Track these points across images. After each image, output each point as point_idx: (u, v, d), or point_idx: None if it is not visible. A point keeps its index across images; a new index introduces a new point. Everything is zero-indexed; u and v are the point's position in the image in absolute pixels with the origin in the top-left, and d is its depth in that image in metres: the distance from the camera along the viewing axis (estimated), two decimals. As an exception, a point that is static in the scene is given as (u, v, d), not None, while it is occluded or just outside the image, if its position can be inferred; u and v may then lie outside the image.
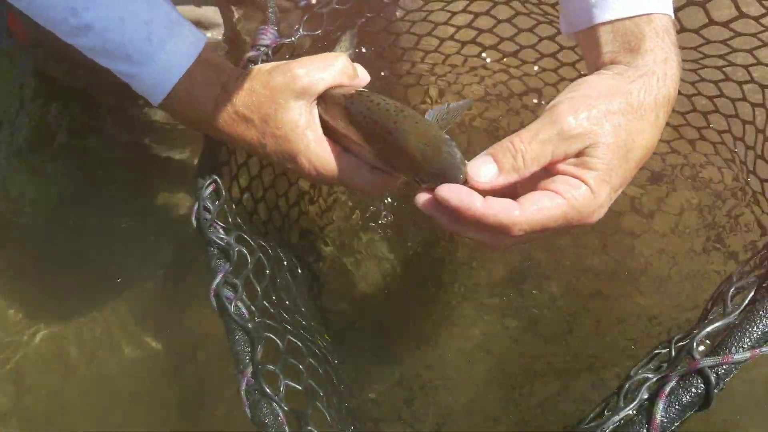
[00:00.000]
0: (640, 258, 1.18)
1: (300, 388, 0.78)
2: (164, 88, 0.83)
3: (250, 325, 0.82)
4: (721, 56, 1.02)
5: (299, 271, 1.06)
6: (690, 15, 0.95)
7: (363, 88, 0.85)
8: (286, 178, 1.16)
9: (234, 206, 1.01)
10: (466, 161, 0.69)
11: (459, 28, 1.21)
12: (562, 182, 0.67)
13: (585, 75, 0.76)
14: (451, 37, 1.23)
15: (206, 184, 0.95)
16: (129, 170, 1.31)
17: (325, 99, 0.82)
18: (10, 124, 1.36)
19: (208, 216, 0.93)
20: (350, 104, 0.79)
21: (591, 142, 0.67)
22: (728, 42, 0.98)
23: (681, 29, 0.96)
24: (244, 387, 0.77)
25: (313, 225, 1.23)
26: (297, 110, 0.80)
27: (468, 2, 1.16)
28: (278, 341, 0.83)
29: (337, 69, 0.82)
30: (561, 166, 0.68)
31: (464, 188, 0.66)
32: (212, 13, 1.24)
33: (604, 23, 0.74)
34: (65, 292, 1.24)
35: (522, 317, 1.15)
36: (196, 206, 0.94)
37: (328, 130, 0.83)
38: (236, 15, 1.41)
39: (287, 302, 0.96)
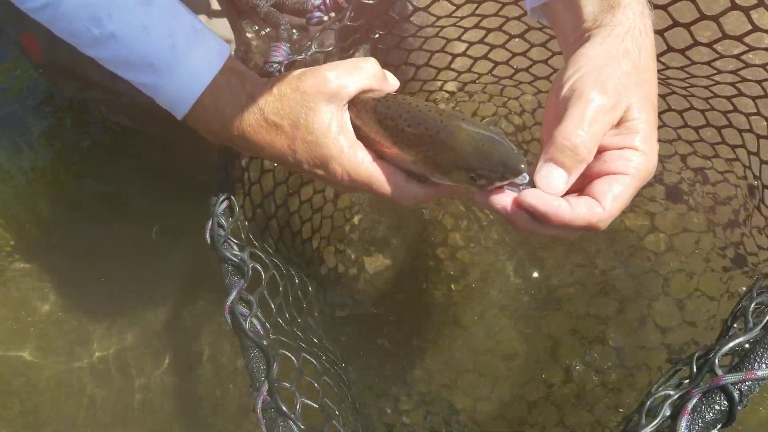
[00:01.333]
0: (659, 277, 1.17)
1: (316, 406, 0.78)
2: (189, 99, 0.82)
3: (265, 342, 0.83)
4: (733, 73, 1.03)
5: (309, 288, 1.06)
6: (699, 28, 0.96)
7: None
8: (298, 196, 1.16)
9: (247, 223, 1.02)
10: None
11: (471, 44, 1.22)
12: (617, 159, 0.70)
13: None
14: (464, 53, 1.24)
15: (220, 200, 0.97)
16: (146, 189, 1.32)
17: (355, 103, 0.82)
18: (30, 147, 1.37)
19: (222, 233, 0.94)
20: (384, 108, 0.79)
21: (626, 107, 0.70)
22: (741, 57, 1.00)
23: (694, 43, 0.97)
24: (260, 405, 0.77)
25: (325, 243, 1.23)
26: (329, 114, 0.80)
27: (480, 18, 1.17)
28: (293, 358, 0.83)
29: (367, 72, 0.82)
30: (607, 141, 0.71)
31: (548, 195, 0.69)
32: (223, 27, 1.25)
33: None
34: (79, 308, 1.25)
35: (539, 338, 1.15)
36: (210, 223, 0.95)
37: (359, 135, 0.82)
38: (248, 31, 1.44)
39: (299, 320, 0.96)
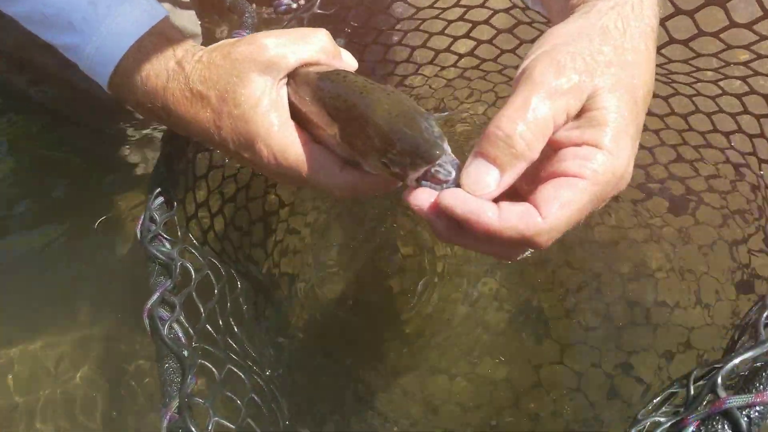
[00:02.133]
0: (664, 298, 1.05)
1: (233, 427, 0.65)
2: (110, 62, 0.73)
3: (185, 352, 0.71)
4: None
5: (256, 296, 0.94)
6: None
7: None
8: (246, 192, 1.05)
9: (188, 221, 0.91)
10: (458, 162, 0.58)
11: (455, 38, 1.12)
12: (572, 157, 0.55)
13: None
14: (447, 49, 1.14)
15: (156, 193, 0.86)
16: (96, 183, 1.22)
17: (295, 78, 0.71)
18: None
19: (153, 227, 0.83)
20: (326, 84, 0.67)
21: (589, 93, 0.56)
22: (750, 64, 0.89)
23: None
24: (166, 424, 0.66)
25: (278, 247, 1.11)
26: (260, 86, 0.70)
27: (464, 10, 1.07)
28: (215, 371, 0.71)
29: (314, 44, 0.71)
30: (563, 136, 0.57)
31: (471, 197, 0.55)
32: (189, 20, 1.17)
33: None
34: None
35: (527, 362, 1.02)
36: (142, 217, 0.84)
37: (296, 116, 0.72)
38: (218, 29, 1.36)
39: (236, 329, 0.84)
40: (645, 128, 0.73)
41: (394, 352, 1.07)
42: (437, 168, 0.56)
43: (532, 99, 0.55)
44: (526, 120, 0.55)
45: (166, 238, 0.83)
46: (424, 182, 0.57)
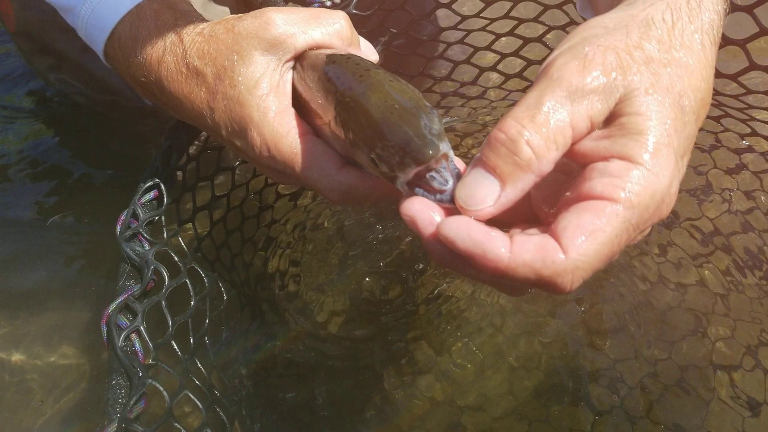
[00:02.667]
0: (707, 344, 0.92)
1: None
2: (106, 25, 0.67)
3: (139, 371, 0.62)
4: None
5: (242, 310, 0.84)
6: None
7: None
8: (259, 200, 0.96)
9: (180, 223, 0.83)
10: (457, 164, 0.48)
11: (503, 56, 1.01)
12: (599, 174, 0.44)
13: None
14: (493, 67, 1.03)
15: (145, 188, 0.79)
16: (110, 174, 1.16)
17: (303, 61, 0.63)
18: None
19: (135, 224, 0.75)
20: (334, 69, 0.58)
21: (622, 93, 0.46)
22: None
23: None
24: (98, 450, 0.56)
25: (281, 264, 1.01)
26: (261, 66, 0.62)
27: (517, 23, 0.97)
28: (166, 396, 0.61)
29: (329, 27, 0.63)
30: (589, 147, 0.46)
31: (477, 226, 0.44)
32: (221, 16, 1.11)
33: None
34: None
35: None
36: (125, 212, 0.76)
37: (300, 105, 0.63)
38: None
39: (210, 351, 0.74)
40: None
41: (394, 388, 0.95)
42: (432, 174, 0.46)
43: (545, 98, 0.45)
44: (536, 123, 0.45)
45: (146, 239, 0.75)
46: (417, 190, 0.47)
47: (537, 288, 0.45)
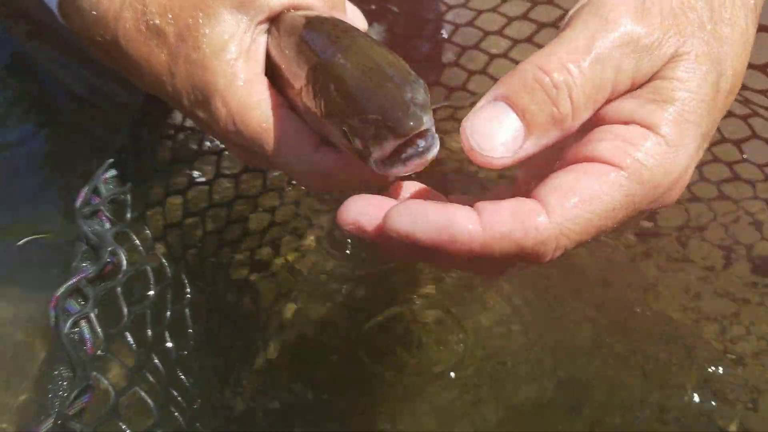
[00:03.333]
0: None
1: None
2: None
3: (85, 362, 0.56)
4: None
5: (209, 315, 0.78)
6: None
7: None
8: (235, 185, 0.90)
9: (147, 206, 0.77)
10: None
11: (516, 42, 0.96)
12: (613, 137, 0.39)
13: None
14: (505, 55, 0.97)
15: (109, 163, 0.73)
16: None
17: (279, 24, 0.57)
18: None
19: (96, 201, 0.69)
20: (308, 35, 0.52)
21: (671, 54, 0.41)
22: None
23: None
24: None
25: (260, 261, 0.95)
26: (230, 27, 0.55)
27: (529, 6, 0.91)
28: (112, 392, 0.54)
29: None
30: (609, 108, 0.41)
31: (434, 205, 0.38)
32: None
33: None
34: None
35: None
36: (86, 188, 0.70)
37: (274, 73, 0.57)
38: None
39: (170, 345, 0.68)
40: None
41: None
42: (412, 151, 0.40)
43: (597, 43, 0.40)
44: (584, 74, 0.39)
45: (108, 217, 0.69)
46: (393, 169, 0.41)
47: (514, 261, 0.40)
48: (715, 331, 0.91)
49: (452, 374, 0.87)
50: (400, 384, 0.86)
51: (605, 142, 0.39)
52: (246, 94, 0.54)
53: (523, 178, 0.47)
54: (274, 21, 0.57)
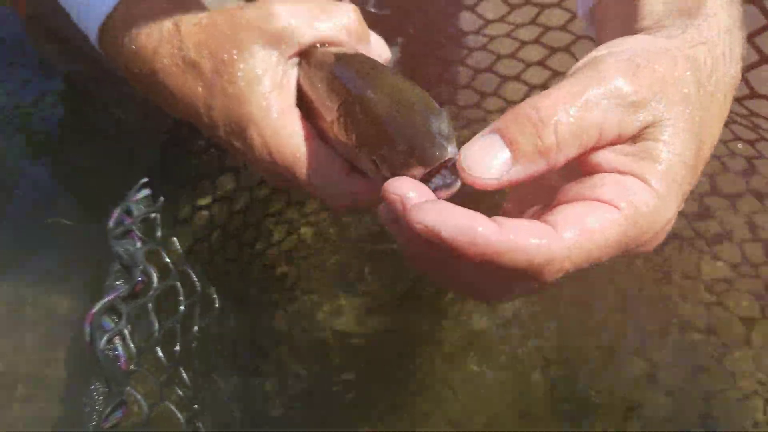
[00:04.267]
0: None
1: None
2: (100, 9, 0.64)
3: (119, 377, 0.60)
4: None
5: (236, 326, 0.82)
6: None
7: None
8: (264, 208, 0.94)
9: (175, 223, 0.81)
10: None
11: (528, 65, 0.99)
12: (613, 184, 0.44)
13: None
14: (517, 78, 1.01)
15: (141, 184, 0.77)
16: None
17: (309, 58, 0.60)
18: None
19: (128, 221, 0.73)
20: (338, 69, 0.56)
21: (655, 119, 0.45)
22: None
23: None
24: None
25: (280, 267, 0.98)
26: (264, 61, 0.59)
27: (543, 30, 0.94)
28: (145, 406, 0.58)
29: (337, 20, 0.60)
30: (605, 158, 0.45)
31: (462, 209, 0.41)
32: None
33: None
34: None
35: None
36: (117, 209, 0.74)
37: (305, 104, 0.60)
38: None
39: (196, 360, 0.71)
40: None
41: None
42: (437, 180, 0.44)
43: (589, 90, 0.43)
44: (571, 112, 0.43)
45: (139, 237, 0.73)
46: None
47: (520, 278, 0.43)
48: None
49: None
50: (424, 387, 0.90)
51: (606, 187, 0.43)
52: (280, 125, 0.58)
53: (509, 210, 0.51)
54: (303, 55, 0.60)
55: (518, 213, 0.49)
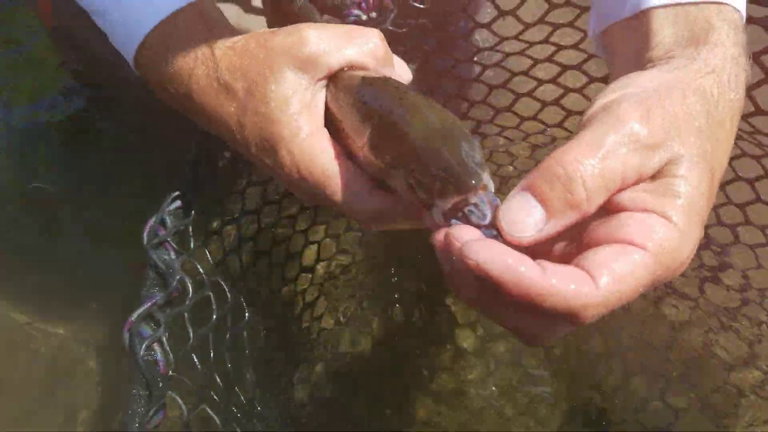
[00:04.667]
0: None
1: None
2: (137, 34, 0.67)
3: (159, 382, 0.63)
4: None
5: (267, 336, 0.85)
6: None
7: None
8: (292, 224, 0.97)
9: (207, 235, 0.84)
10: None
11: (540, 82, 1.02)
12: (637, 223, 0.47)
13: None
14: (530, 94, 1.04)
15: (174, 196, 0.80)
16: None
17: (336, 81, 0.64)
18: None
19: (162, 232, 0.77)
20: (368, 91, 0.60)
21: (671, 156, 0.49)
22: None
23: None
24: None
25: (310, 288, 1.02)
26: (293, 84, 0.62)
27: (556, 49, 0.98)
28: (183, 408, 0.62)
29: (363, 45, 0.64)
30: (627, 198, 0.49)
31: (511, 251, 0.44)
32: (258, 27, 1.12)
33: (662, 6, 0.59)
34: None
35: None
36: (152, 219, 0.78)
37: (332, 125, 0.64)
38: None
39: (229, 365, 0.75)
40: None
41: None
42: (471, 208, 0.47)
43: (608, 139, 0.47)
44: (594, 165, 0.46)
45: (173, 247, 0.77)
46: (453, 220, 0.48)
47: (558, 319, 0.46)
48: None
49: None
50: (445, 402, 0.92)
51: (632, 227, 0.46)
52: (309, 145, 0.61)
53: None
54: (331, 78, 0.64)
55: (547, 247, 0.51)
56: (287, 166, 0.62)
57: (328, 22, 1.01)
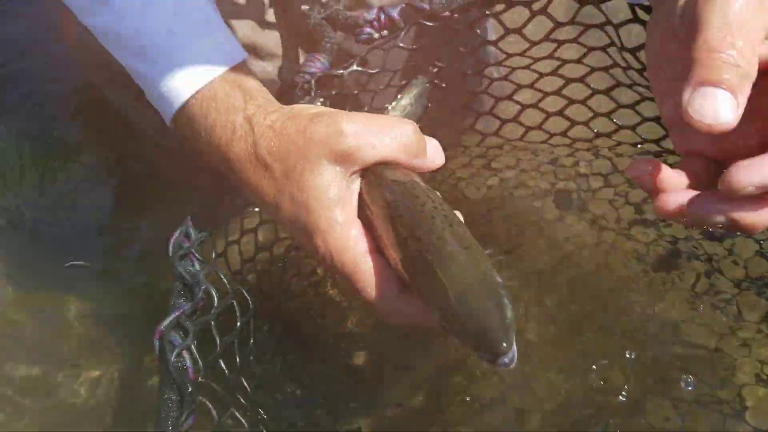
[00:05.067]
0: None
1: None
2: (177, 99, 0.70)
3: (189, 387, 0.66)
4: None
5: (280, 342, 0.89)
6: None
7: (421, 174, 0.68)
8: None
9: (227, 245, 0.88)
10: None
11: (546, 94, 1.06)
12: None
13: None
14: (535, 105, 1.08)
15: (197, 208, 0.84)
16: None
17: (370, 175, 0.66)
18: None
19: (187, 244, 0.80)
20: (390, 195, 0.63)
21: None
22: None
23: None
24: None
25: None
26: (329, 176, 0.64)
27: (560, 63, 1.01)
28: (215, 413, 0.65)
29: (399, 139, 0.66)
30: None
31: None
32: (272, 41, 1.16)
33: None
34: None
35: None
36: (177, 232, 0.81)
37: (365, 216, 0.66)
38: (301, 57, 1.35)
39: (254, 370, 0.78)
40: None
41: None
42: (499, 363, 0.50)
43: (730, 16, 0.51)
44: (738, 36, 0.50)
45: (198, 259, 0.80)
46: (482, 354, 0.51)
47: None
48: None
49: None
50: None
51: None
52: (343, 237, 0.63)
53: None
54: (364, 172, 0.66)
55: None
56: (321, 253, 0.64)
57: (341, 40, 1.04)
